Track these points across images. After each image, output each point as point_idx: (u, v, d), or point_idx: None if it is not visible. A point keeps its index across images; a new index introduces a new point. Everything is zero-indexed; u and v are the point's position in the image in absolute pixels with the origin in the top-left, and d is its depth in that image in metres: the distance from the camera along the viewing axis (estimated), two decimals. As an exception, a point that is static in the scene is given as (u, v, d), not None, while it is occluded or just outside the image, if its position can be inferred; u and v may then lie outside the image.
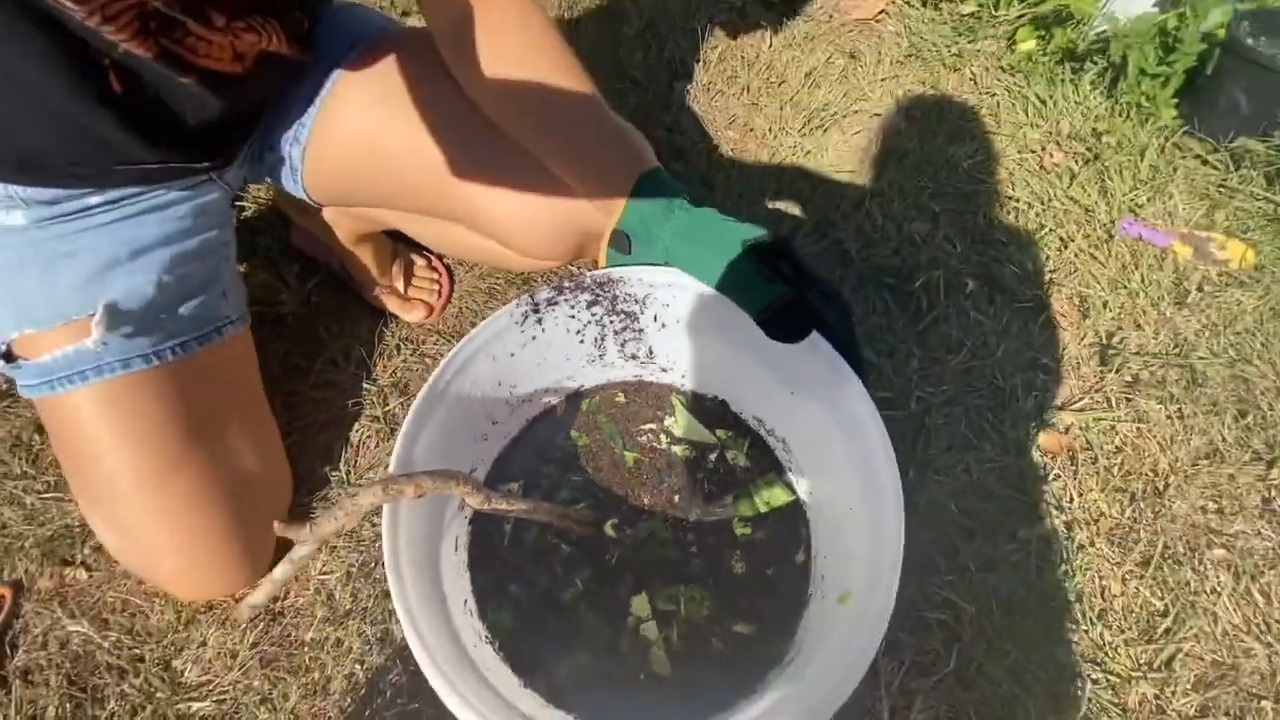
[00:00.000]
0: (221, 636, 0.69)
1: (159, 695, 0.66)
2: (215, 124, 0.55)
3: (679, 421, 0.60)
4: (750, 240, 0.45)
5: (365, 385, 0.84)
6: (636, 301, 0.51)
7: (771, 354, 0.47)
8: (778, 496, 0.56)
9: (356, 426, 0.81)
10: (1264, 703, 0.66)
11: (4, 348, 0.56)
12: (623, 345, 0.56)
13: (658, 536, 0.54)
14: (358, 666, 0.67)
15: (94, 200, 0.55)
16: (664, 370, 0.59)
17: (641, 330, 0.54)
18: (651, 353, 0.57)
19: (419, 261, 0.90)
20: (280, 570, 0.37)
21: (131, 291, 0.57)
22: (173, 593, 0.68)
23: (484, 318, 0.88)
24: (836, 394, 0.45)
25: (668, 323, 0.53)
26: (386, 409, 0.82)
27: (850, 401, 0.44)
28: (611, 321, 0.52)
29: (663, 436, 0.59)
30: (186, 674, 0.68)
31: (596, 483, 0.56)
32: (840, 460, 0.47)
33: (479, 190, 0.57)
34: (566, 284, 0.49)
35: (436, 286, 0.89)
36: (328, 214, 0.76)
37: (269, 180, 0.71)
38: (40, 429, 0.82)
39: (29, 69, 0.45)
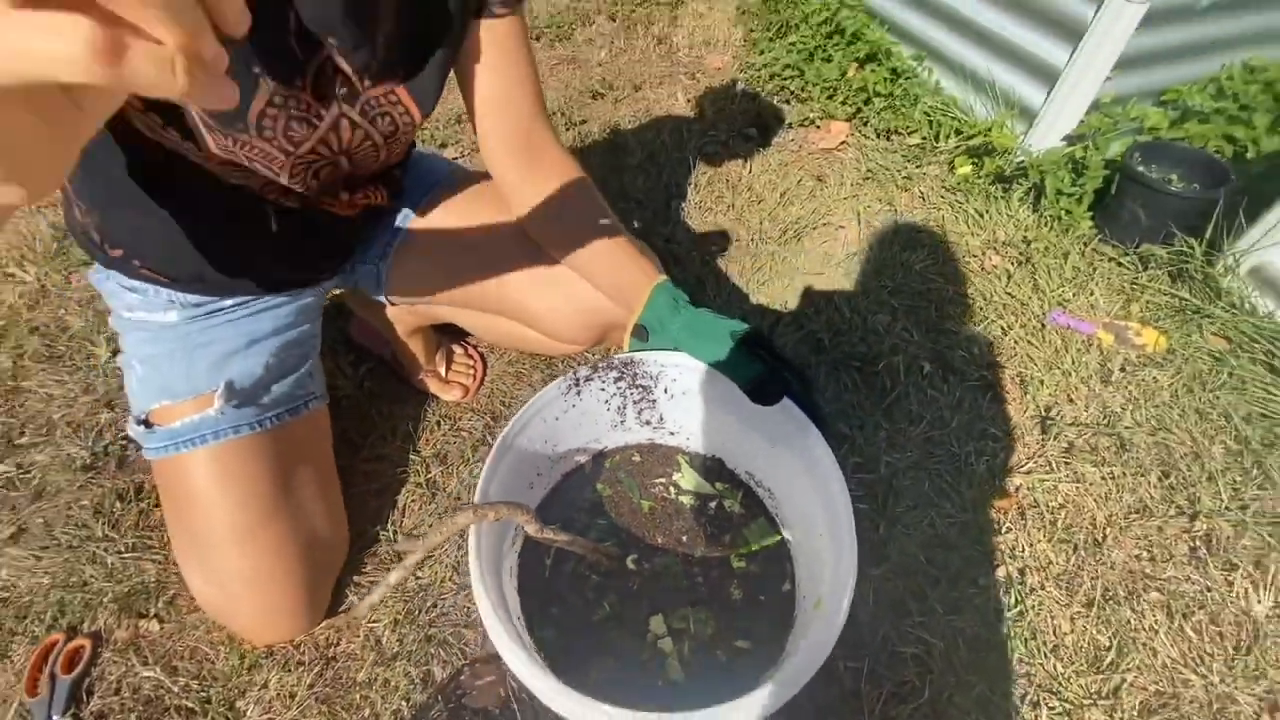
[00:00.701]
0: (281, 679, 0.78)
1: (223, 733, 0.74)
2: (330, 251, 0.72)
3: (685, 476, 0.73)
4: (737, 332, 0.61)
5: (410, 456, 0.97)
6: (651, 378, 0.66)
7: (756, 417, 0.62)
8: (766, 537, 0.68)
9: (403, 492, 0.93)
10: (1202, 726, 0.76)
11: (143, 416, 0.70)
12: (639, 413, 0.70)
13: (670, 569, 0.66)
14: (404, 703, 0.76)
15: (228, 302, 0.71)
16: (672, 434, 0.73)
17: (655, 401, 0.68)
18: (662, 419, 0.71)
19: (458, 350, 1.05)
20: (394, 575, 0.49)
21: (246, 372, 0.71)
22: (246, 635, 0.77)
23: (514, 397, 1.03)
24: (802, 442, 0.59)
25: (675, 394, 0.68)
26: (428, 476, 0.95)
27: (813, 447, 0.58)
28: (632, 393, 0.67)
29: (672, 488, 0.72)
30: (249, 713, 0.76)
31: (618, 526, 0.68)
32: (808, 494, 0.60)
33: (528, 292, 0.74)
34: (600, 364, 0.64)
35: (472, 371, 1.04)
36: (390, 311, 0.92)
37: (353, 286, 0.88)
38: (121, 497, 0.94)
39: (248, 224, 0.63)
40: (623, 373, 0.65)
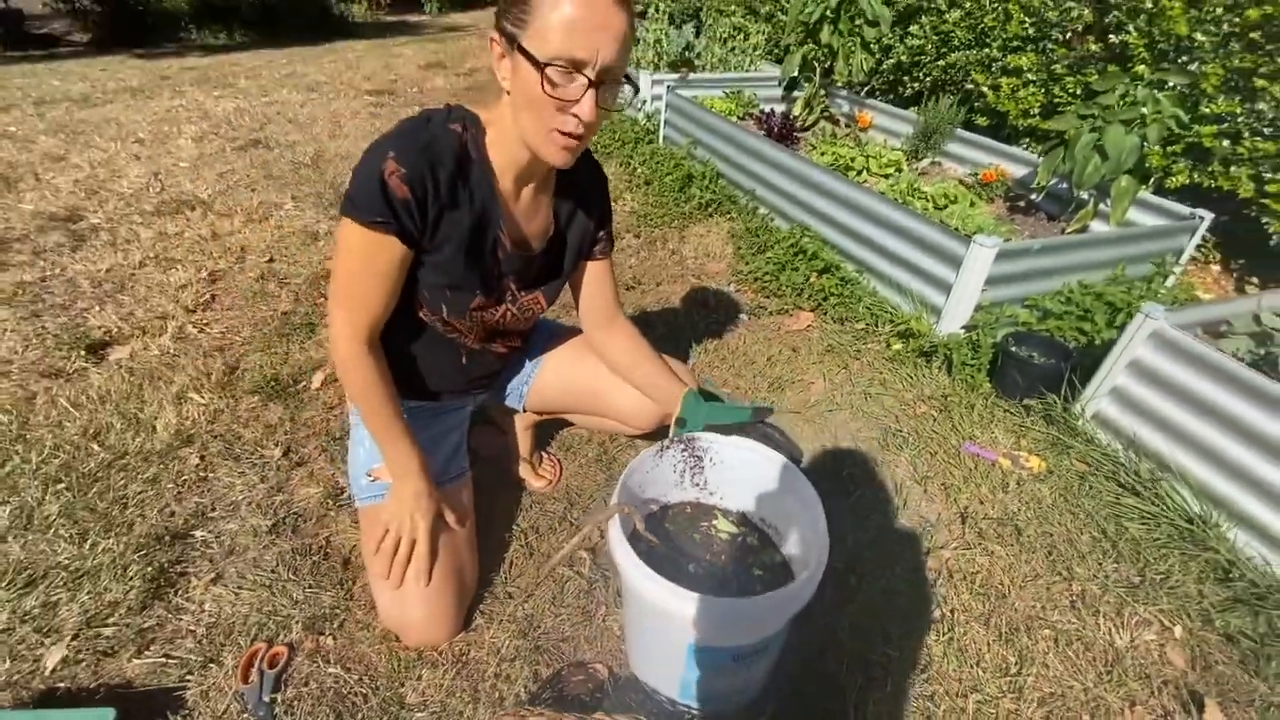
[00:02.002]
0: (430, 673, 1.08)
1: (391, 710, 1.03)
2: (489, 373, 1.19)
3: (720, 525, 1.12)
4: (738, 412, 1.06)
5: (513, 526, 1.33)
6: (704, 450, 1.09)
7: (759, 476, 1.04)
8: (774, 559, 1.06)
9: (508, 551, 1.29)
10: (1084, 715, 1.08)
11: (369, 473, 1.09)
12: (693, 478, 1.11)
13: (713, 574, 1.02)
14: (522, 689, 1.06)
15: (425, 407, 1.15)
16: (711, 494, 1.14)
17: (703, 468, 1.10)
18: (706, 483, 1.12)
19: (546, 455, 1.47)
20: (570, 545, 0.87)
21: (432, 451, 1.13)
22: (412, 636, 1.09)
23: (582, 491, 1.42)
24: (797, 489, 1.01)
25: (718, 464, 1.10)
26: (525, 541, 1.31)
27: (803, 490, 1.00)
28: (690, 461, 1.09)
29: (713, 529, 1.11)
30: (409, 697, 1.05)
31: (682, 548, 1.06)
32: (801, 525, 1.00)
33: (618, 398, 1.20)
34: (674, 440, 1.07)
35: (555, 469, 1.45)
36: (516, 416, 1.36)
37: (500, 401, 1.33)
38: (297, 553, 1.27)
39: (446, 360, 1.10)
40: (687, 446, 1.08)
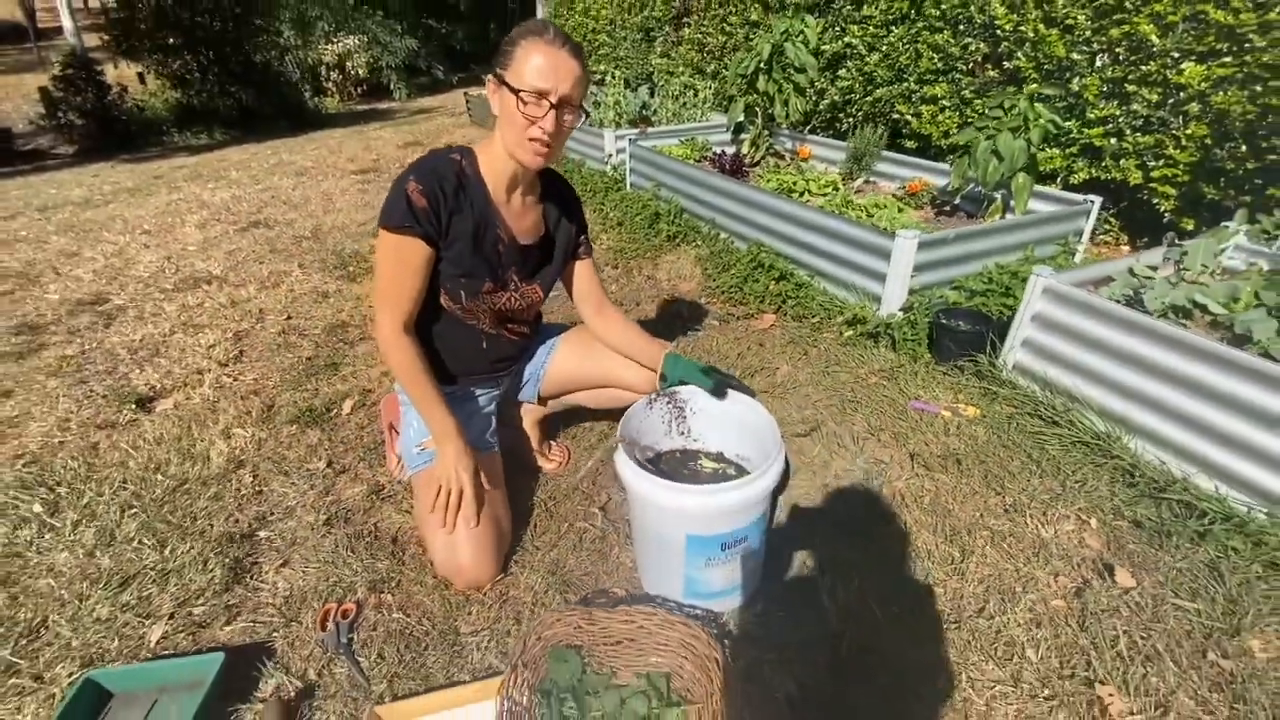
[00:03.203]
0: (479, 609, 1.29)
1: (449, 638, 1.24)
2: (507, 358, 1.45)
3: (704, 463, 1.37)
4: (706, 369, 1.33)
5: (532, 499, 1.57)
6: (684, 401, 1.35)
7: (733, 421, 1.30)
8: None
9: (532, 517, 1.52)
10: (1017, 587, 1.32)
11: (420, 444, 1.34)
12: (678, 427, 1.37)
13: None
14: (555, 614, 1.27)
15: (460, 391, 1.41)
16: (694, 440, 1.39)
17: (685, 417, 1.36)
18: (689, 431, 1.38)
19: (554, 443, 1.72)
20: (589, 464, 1.12)
21: (466, 426, 1.37)
22: (463, 578, 1.30)
23: (584, 463, 1.67)
24: (754, 417, 1.27)
25: (697, 412, 1.36)
26: (545, 508, 1.54)
27: (753, 410, 1.26)
28: (673, 412, 1.35)
29: (698, 467, 1.36)
30: (463, 629, 1.26)
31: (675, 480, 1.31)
32: (763, 441, 1.25)
33: (619, 371, 1.47)
34: (660, 393, 1.34)
35: (563, 454, 1.69)
36: (527, 411, 1.61)
37: (516, 393, 1.59)
38: (351, 537, 1.49)
39: (468, 344, 1.37)
40: (670, 399, 1.34)
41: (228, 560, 1.43)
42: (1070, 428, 1.72)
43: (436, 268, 1.29)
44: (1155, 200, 2.86)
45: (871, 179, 3.40)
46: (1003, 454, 1.69)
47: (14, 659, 1.23)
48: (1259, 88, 2.43)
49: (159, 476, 1.71)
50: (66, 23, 9.63)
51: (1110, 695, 1.10)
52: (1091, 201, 2.53)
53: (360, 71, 11.69)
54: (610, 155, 3.99)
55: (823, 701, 1.12)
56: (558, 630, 1.13)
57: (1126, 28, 2.75)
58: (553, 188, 1.43)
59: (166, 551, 1.47)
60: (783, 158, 3.76)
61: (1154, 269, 1.88)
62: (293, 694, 1.15)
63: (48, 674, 1.20)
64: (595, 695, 1.08)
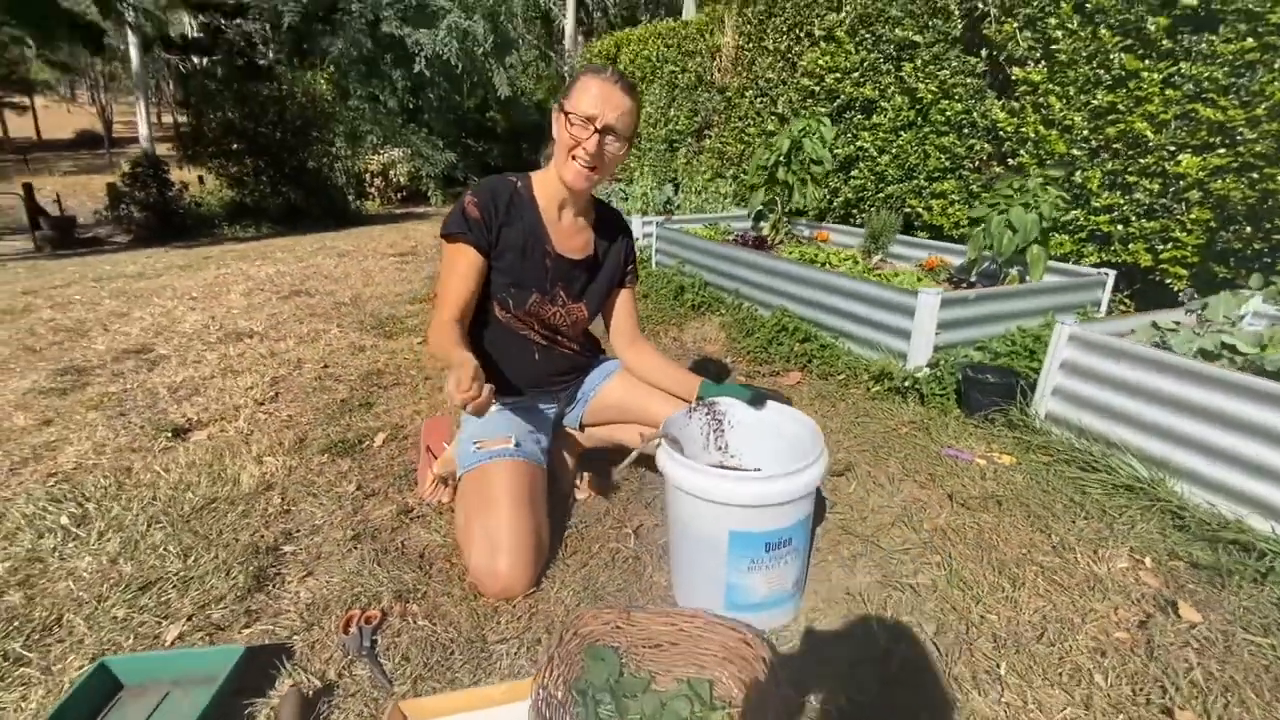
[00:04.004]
0: (509, 619, 1.24)
1: (476, 645, 1.18)
2: (559, 372, 1.49)
3: (742, 479, 1.36)
4: (741, 390, 1.35)
5: (568, 523, 1.54)
6: (722, 414, 1.36)
7: (772, 434, 1.31)
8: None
9: (564, 537, 1.48)
10: (1075, 618, 1.24)
11: (475, 442, 1.35)
12: (715, 440, 1.37)
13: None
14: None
15: (513, 402, 1.44)
16: (732, 456, 1.38)
17: (723, 431, 1.36)
18: (728, 445, 1.37)
19: (587, 474, 1.71)
20: (626, 461, 1.12)
21: (520, 435, 1.39)
22: (498, 584, 1.26)
23: (615, 498, 1.66)
24: (788, 421, 1.27)
25: (735, 425, 1.36)
26: (577, 530, 1.51)
27: (794, 419, 1.26)
28: (712, 424, 1.36)
29: (737, 481, 1.34)
30: (491, 638, 1.20)
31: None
32: (804, 445, 1.25)
33: (653, 406, 1.48)
34: (698, 405, 1.35)
35: (596, 489, 1.68)
36: (571, 443, 1.63)
37: (570, 410, 1.62)
38: (379, 551, 1.46)
39: (521, 355, 1.43)
40: (709, 410, 1.35)
41: (251, 569, 1.40)
42: (1111, 473, 1.69)
43: (489, 277, 1.38)
44: (1168, 280, 2.95)
45: (888, 259, 3.54)
46: (1043, 497, 1.65)
47: (24, 651, 1.18)
48: (1255, 175, 2.57)
49: (189, 495, 1.71)
50: (142, 129, 10.66)
51: (1191, 722, 1.02)
52: (1105, 274, 2.61)
53: (401, 179, 12.63)
54: (638, 238, 4.22)
55: (874, 715, 1.04)
56: (594, 628, 1.08)
57: (1122, 126, 2.97)
58: (606, 218, 1.55)
59: (190, 560, 1.44)
60: (801, 242, 3.95)
61: (1177, 323, 1.92)
62: (311, 692, 1.08)
63: (57, 666, 1.15)
64: (633, 698, 1.02)
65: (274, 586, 1.37)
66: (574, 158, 1.30)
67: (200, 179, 11.21)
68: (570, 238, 1.45)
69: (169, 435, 2.06)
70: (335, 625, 1.24)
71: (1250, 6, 2.49)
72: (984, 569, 1.38)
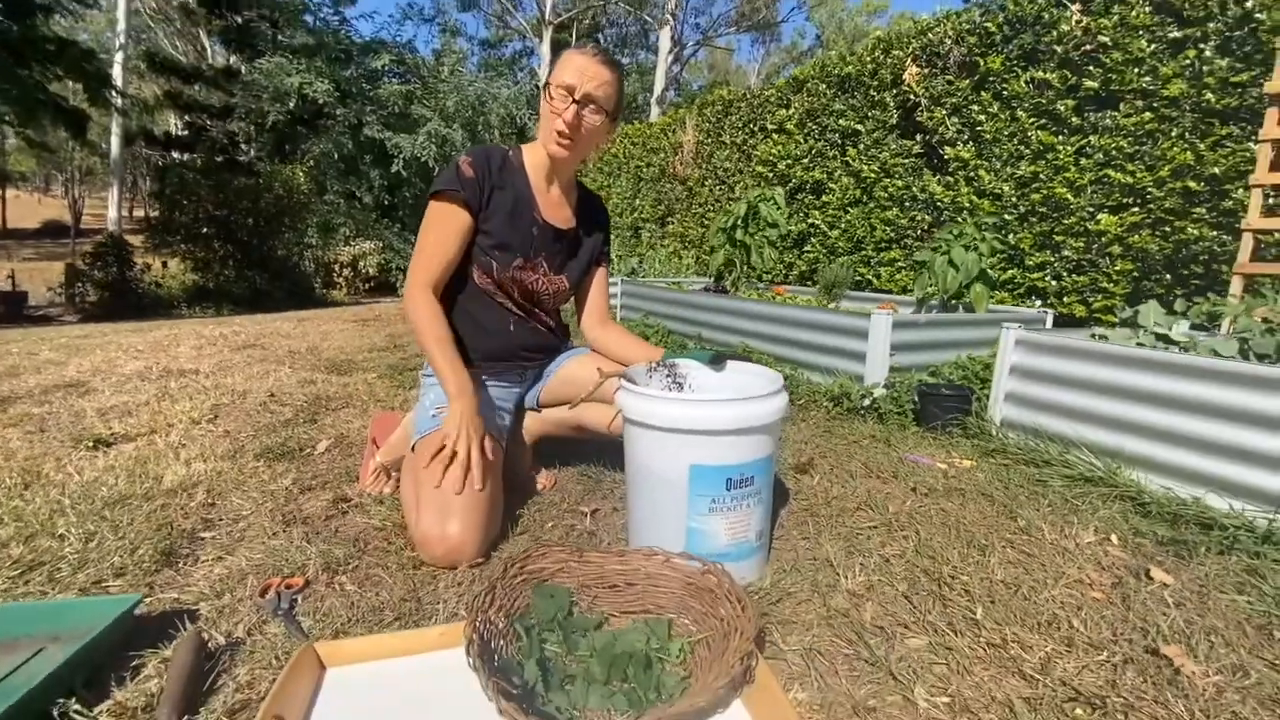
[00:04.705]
0: (446, 582, 1.12)
1: (409, 604, 1.06)
2: (532, 348, 1.47)
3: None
4: (705, 353, 1.35)
5: (521, 510, 1.44)
6: (683, 375, 1.33)
7: (729, 388, 1.29)
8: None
9: (519, 521, 1.39)
10: (1049, 579, 1.20)
11: (434, 411, 1.29)
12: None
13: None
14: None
15: (482, 377, 1.39)
16: (693, 423, 1.35)
17: (682, 389, 1.33)
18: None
19: (544, 469, 1.63)
20: (586, 394, 1.08)
21: (487, 406, 1.34)
22: (444, 547, 1.15)
23: (570, 492, 1.58)
24: (752, 378, 1.26)
25: (695, 388, 1.34)
26: (530, 516, 1.42)
27: (757, 375, 1.25)
28: (672, 386, 1.33)
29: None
30: (425, 599, 1.09)
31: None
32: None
33: (606, 388, 1.46)
34: (659, 364, 1.32)
35: (550, 481, 1.60)
36: (528, 423, 1.57)
37: (532, 392, 1.57)
38: (308, 531, 1.33)
39: (498, 323, 1.41)
40: (669, 370, 1.33)
41: (160, 547, 1.26)
42: (1069, 467, 1.69)
43: (473, 241, 1.39)
44: (1100, 332, 3.11)
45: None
46: (1005, 490, 1.63)
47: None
48: (1168, 228, 2.82)
49: (101, 491, 1.56)
50: (111, 213, 10.68)
51: (1179, 657, 0.96)
52: (1045, 312, 2.75)
53: (370, 270, 12.78)
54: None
55: (852, 659, 0.95)
56: (544, 565, 1.00)
57: (1045, 192, 3.26)
58: (589, 201, 1.59)
59: (92, 544, 1.29)
60: (760, 291, 4.08)
61: (1112, 327, 2.01)
62: (213, 646, 0.95)
63: (-89, 630, 0.98)
64: (583, 635, 0.92)
65: (185, 564, 1.23)
66: (555, 130, 1.34)
67: (164, 264, 11.15)
68: (557, 208, 1.48)
69: (89, 445, 1.90)
70: (251, 591, 1.10)
71: (1144, 85, 2.85)
72: (952, 542, 1.33)
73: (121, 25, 12.21)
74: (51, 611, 0.97)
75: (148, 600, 1.09)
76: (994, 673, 0.93)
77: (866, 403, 2.21)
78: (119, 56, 12.05)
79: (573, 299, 1.61)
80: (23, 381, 2.88)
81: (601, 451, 1.72)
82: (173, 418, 2.21)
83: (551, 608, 0.94)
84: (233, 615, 1.04)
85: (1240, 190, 2.56)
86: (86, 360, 3.47)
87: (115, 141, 11.67)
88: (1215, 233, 2.66)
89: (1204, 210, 2.70)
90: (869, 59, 4.25)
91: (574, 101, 1.32)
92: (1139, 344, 1.77)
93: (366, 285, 12.87)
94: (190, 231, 10.17)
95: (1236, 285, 2.31)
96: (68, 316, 9.27)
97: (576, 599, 0.97)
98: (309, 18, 14.37)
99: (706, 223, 5.87)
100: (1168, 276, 2.85)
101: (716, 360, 1.33)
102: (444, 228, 1.34)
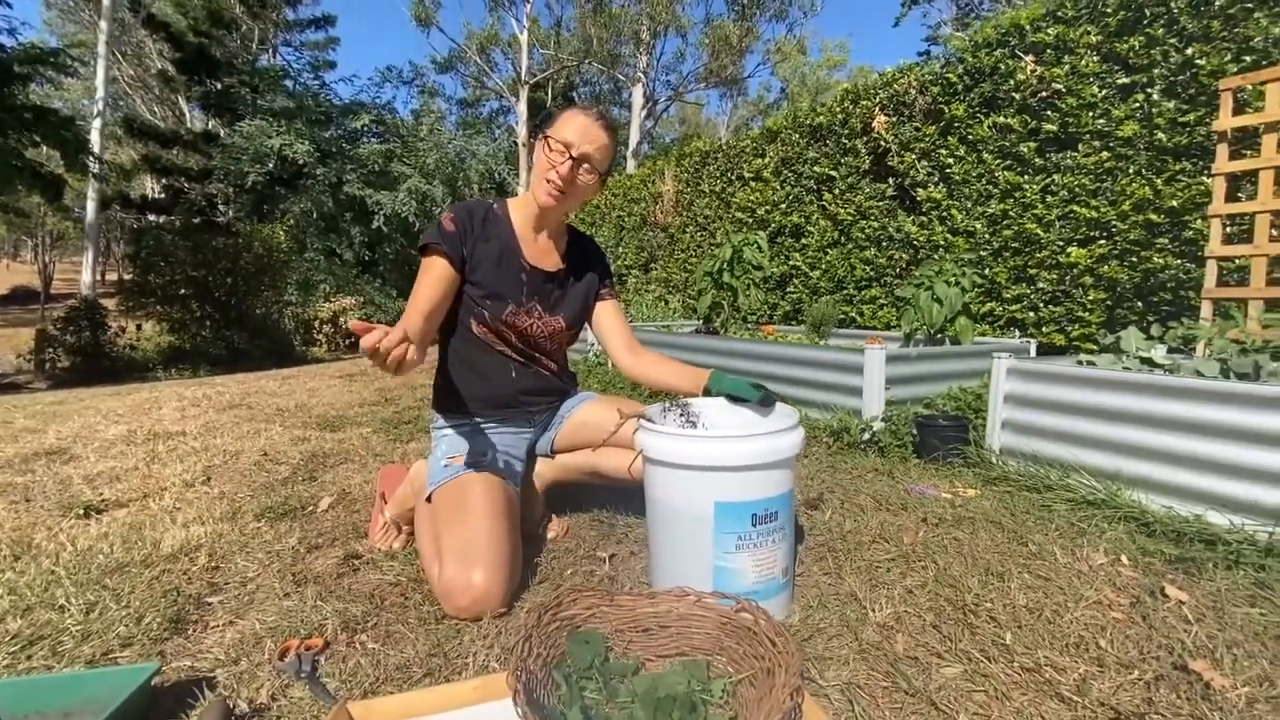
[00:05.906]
0: (471, 635, 1.10)
1: (436, 659, 1.04)
2: (536, 393, 1.48)
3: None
4: (751, 382, 1.37)
5: (537, 559, 1.43)
6: (696, 414, 1.35)
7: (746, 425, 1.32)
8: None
9: (537, 571, 1.37)
10: (1068, 601, 1.21)
11: (446, 460, 1.29)
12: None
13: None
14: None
15: (486, 424, 1.40)
16: (708, 462, 1.36)
17: (696, 424, 1.35)
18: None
19: (554, 517, 1.61)
20: (615, 429, 1.09)
21: (499, 454, 1.34)
22: (468, 597, 1.13)
23: (583, 540, 1.58)
24: (769, 416, 1.28)
25: (709, 426, 1.35)
26: (548, 565, 1.40)
27: (775, 412, 1.27)
28: (688, 425, 1.34)
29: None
30: (452, 653, 1.06)
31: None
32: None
33: (625, 431, 1.47)
34: (672, 404, 1.34)
35: (562, 529, 1.58)
36: (540, 469, 1.56)
37: (542, 438, 1.58)
38: (321, 590, 1.30)
39: (499, 371, 1.43)
40: (683, 410, 1.35)
41: (168, 614, 1.22)
42: (1071, 491, 1.72)
43: (463, 291, 1.42)
44: (1082, 359, 3.22)
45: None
46: (1013, 516, 1.66)
47: None
48: (1135, 258, 2.96)
49: (98, 559, 1.51)
50: (85, 276, 10.55)
51: (1207, 671, 0.97)
52: (1028, 342, 2.84)
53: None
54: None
55: (891, 691, 0.95)
56: (575, 611, 0.99)
57: (1016, 228, 3.40)
58: (579, 242, 1.62)
59: (94, 614, 1.25)
60: (749, 331, 4.15)
61: (1094, 362, 2.09)
62: (237, 709, 0.91)
63: (-89, 714, 0.93)
64: (622, 680, 0.91)
65: (195, 630, 1.19)
66: (548, 180, 1.39)
67: (139, 326, 10.98)
68: (544, 254, 1.52)
69: (79, 513, 1.85)
70: (270, 655, 1.07)
71: (1100, 127, 3.03)
72: (970, 570, 1.35)
73: (100, 93, 12.34)
74: (64, 684, 0.93)
75: (161, 670, 1.05)
76: (1032, 697, 0.93)
77: (866, 436, 2.24)
78: (97, 123, 12.13)
79: (604, 345, 1.62)
80: (0, 451, 2.79)
81: (612, 495, 1.71)
82: (164, 481, 2.16)
83: (588, 654, 0.93)
84: (253, 681, 1.01)
85: (1199, 221, 2.71)
86: (65, 426, 3.38)
87: (91, 206, 11.65)
88: (1180, 261, 2.80)
89: (1166, 240, 2.84)
90: (839, 109, 4.46)
91: (571, 158, 1.37)
92: (1125, 368, 1.83)
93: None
94: (166, 293, 10.05)
95: (1206, 309, 2.41)
96: (37, 384, 9.03)
97: (611, 644, 0.96)
98: (289, 82, 14.68)
99: (689, 268, 5.99)
100: (1139, 304, 2.97)
101: (766, 401, 1.34)
102: (429, 275, 1.37)
